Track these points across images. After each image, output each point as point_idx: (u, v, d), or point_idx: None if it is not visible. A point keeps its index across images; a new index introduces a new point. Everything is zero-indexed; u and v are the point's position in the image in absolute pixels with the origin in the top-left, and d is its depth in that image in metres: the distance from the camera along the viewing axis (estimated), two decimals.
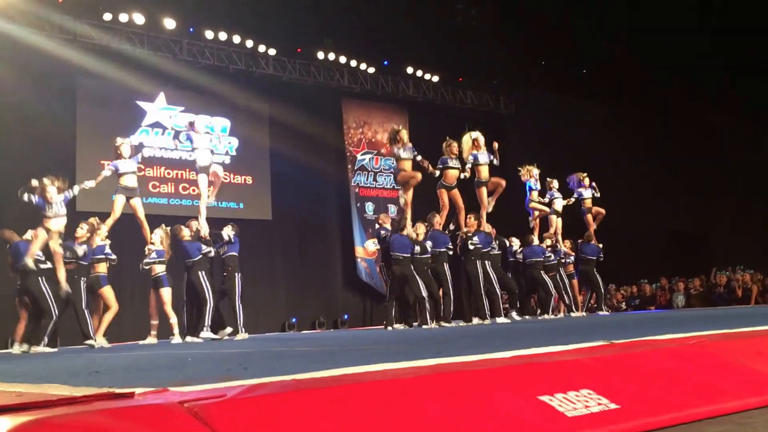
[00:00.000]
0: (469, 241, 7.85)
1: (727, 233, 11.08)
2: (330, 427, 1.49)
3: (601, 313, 9.14)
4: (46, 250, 6.74)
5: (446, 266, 7.75)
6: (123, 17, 10.96)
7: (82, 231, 7.31)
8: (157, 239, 7.66)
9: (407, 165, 7.94)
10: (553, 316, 8.64)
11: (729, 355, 1.96)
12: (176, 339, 7.33)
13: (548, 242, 9.19)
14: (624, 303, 11.59)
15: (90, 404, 1.55)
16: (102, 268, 7.54)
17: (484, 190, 8.24)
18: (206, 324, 7.18)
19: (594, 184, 9.75)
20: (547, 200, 9.41)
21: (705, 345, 2.06)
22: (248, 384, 1.80)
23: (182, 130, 11.89)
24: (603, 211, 9.68)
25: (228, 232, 7.80)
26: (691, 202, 11.70)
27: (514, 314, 8.31)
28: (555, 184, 9.60)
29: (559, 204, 9.46)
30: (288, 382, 1.83)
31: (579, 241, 9.54)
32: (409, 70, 13.86)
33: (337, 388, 1.67)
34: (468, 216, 8.12)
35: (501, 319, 7.75)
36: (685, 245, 10.19)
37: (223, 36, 11.88)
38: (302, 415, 1.52)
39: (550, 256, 9.04)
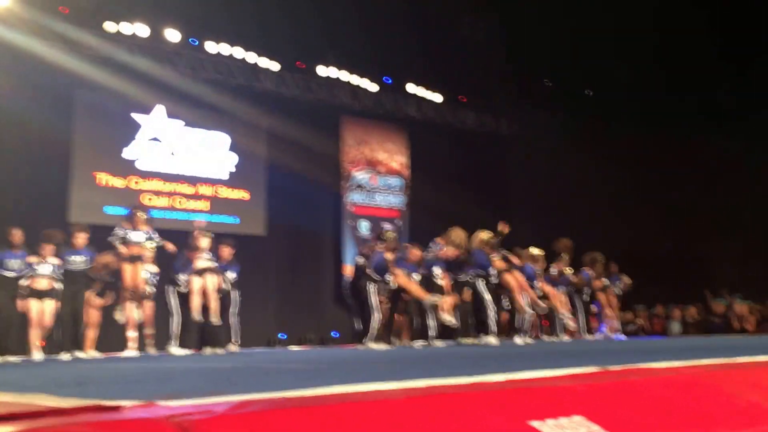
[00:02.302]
0: None
1: (727, 260, 11.09)
2: None
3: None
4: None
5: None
6: (125, 28, 11.01)
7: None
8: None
9: None
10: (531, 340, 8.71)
11: (726, 386, 1.94)
12: (151, 350, 7.62)
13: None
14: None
15: (77, 416, 1.53)
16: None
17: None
18: (171, 337, 7.40)
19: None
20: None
21: (701, 374, 2.04)
22: (236, 400, 1.77)
23: (178, 144, 11.94)
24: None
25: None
26: (691, 227, 11.74)
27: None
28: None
29: None
30: (276, 400, 1.80)
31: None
32: (411, 88, 13.94)
33: (326, 407, 1.65)
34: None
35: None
36: (683, 272, 10.22)
37: (225, 49, 11.95)
38: None
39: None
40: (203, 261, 7.57)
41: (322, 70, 12.93)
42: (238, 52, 12.07)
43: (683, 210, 11.94)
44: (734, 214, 11.28)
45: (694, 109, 11.70)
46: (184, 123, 11.96)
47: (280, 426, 1.50)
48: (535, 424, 1.64)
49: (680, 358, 2.59)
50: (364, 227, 13.54)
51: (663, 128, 12.15)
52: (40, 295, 7.13)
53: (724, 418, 1.81)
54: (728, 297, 10.62)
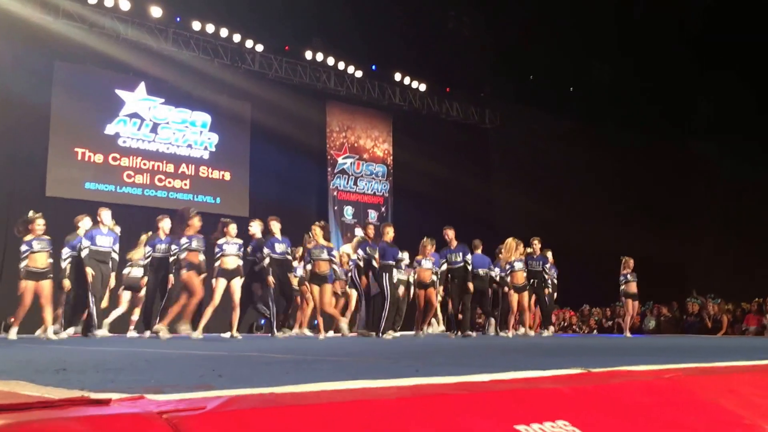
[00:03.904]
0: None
1: (701, 261, 11.31)
2: None
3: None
4: None
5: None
6: (108, 1, 10.77)
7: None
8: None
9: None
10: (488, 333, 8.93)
11: (702, 392, 2.00)
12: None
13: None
14: (596, 326, 11.76)
15: (66, 410, 1.52)
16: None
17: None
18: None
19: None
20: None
21: (680, 380, 2.10)
22: (226, 396, 1.77)
23: (160, 122, 11.77)
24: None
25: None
26: (667, 228, 11.93)
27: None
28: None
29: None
30: (267, 396, 1.80)
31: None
32: (397, 76, 13.89)
33: (318, 406, 1.66)
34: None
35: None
36: (659, 271, 10.41)
37: (210, 28, 11.76)
38: None
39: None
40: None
41: (308, 54, 12.81)
42: (224, 32, 11.89)
43: (661, 211, 12.14)
44: (709, 218, 11.50)
45: (672, 117, 11.89)
46: (166, 101, 11.78)
47: (273, 425, 1.51)
48: (521, 428, 1.67)
49: (660, 362, 2.66)
50: (349, 213, 13.54)
51: (643, 133, 12.32)
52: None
53: (699, 426, 1.86)
54: (702, 297, 10.86)
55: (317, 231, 7.76)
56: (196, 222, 7.04)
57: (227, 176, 12.36)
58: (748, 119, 10.83)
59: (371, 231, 8.46)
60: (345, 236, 13.06)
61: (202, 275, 7.08)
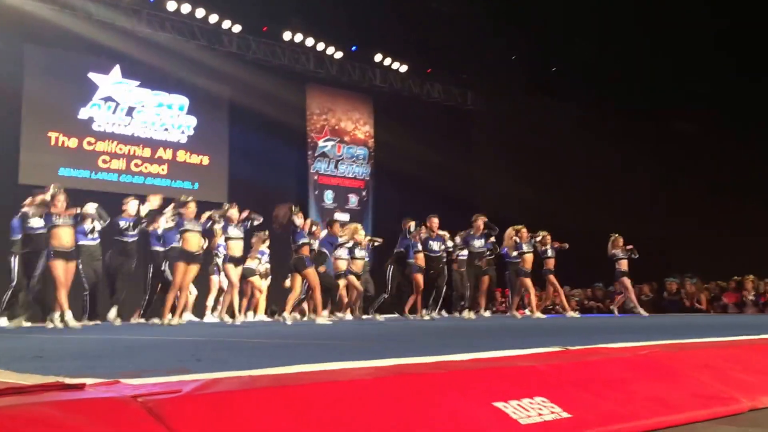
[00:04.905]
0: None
1: (682, 240, 11.41)
2: (288, 428, 1.47)
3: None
4: None
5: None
6: None
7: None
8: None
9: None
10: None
11: (678, 367, 2.03)
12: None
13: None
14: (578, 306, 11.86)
15: (39, 395, 1.49)
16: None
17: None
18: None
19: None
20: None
21: (656, 356, 2.12)
22: (203, 379, 1.75)
23: (136, 105, 11.55)
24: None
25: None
26: (650, 207, 12.02)
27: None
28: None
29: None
30: (244, 379, 1.79)
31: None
32: (378, 57, 13.74)
33: (295, 387, 1.65)
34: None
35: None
36: (640, 251, 10.50)
37: (185, 9, 11.51)
38: (260, 414, 1.50)
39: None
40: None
41: (287, 35, 12.62)
42: (200, 12, 11.65)
43: (642, 191, 12.21)
44: (689, 197, 11.58)
45: (657, 93, 11.88)
46: (141, 84, 11.56)
47: (250, 406, 1.50)
48: (500, 405, 1.68)
49: (637, 339, 2.69)
50: (329, 197, 13.47)
51: (626, 111, 12.32)
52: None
53: (676, 399, 1.89)
54: (680, 276, 10.99)
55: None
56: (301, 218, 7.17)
57: (205, 161, 12.20)
58: (732, 99, 10.88)
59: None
60: (324, 221, 12.99)
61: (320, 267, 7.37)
